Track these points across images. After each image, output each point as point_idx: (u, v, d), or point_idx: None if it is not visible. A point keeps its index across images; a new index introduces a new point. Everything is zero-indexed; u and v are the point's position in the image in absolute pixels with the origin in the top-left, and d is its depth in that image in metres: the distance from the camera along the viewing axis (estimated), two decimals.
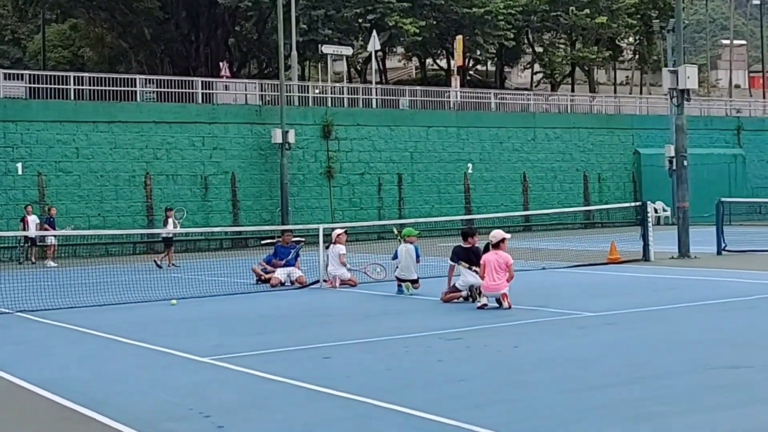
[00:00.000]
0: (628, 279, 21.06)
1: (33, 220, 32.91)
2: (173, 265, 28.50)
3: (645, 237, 25.43)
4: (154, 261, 28.43)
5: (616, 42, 68.24)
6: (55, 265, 30.57)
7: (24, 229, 32.46)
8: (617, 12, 61.49)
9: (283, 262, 22.05)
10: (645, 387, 9.35)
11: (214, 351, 12.09)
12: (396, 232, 21.68)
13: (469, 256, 17.07)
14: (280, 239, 23.32)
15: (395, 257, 18.91)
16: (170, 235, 29.44)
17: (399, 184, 44.95)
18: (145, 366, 11.47)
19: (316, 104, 44.63)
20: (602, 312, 15.07)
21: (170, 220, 29.31)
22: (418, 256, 18.85)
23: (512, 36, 58.90)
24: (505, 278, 15.84)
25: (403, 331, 13.62)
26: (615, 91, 72.82)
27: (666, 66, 40.11)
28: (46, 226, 32.48)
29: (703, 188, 42.79)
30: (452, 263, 17.32)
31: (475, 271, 16.52)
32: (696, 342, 12.33)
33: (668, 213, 47.35)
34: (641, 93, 74.23)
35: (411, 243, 18.93)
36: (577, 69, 69.11)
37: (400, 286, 18.75)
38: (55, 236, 31.94)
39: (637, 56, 74.47)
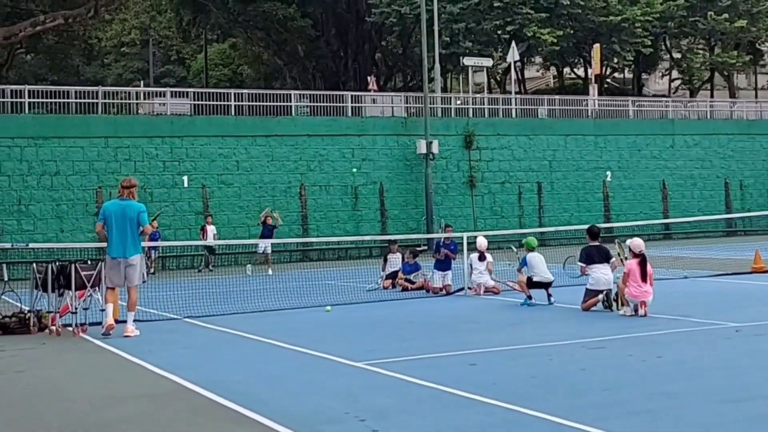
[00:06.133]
0: None
1: (212, 230, 34.42)
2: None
3: None
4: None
5: (757, 46, 66.35)
6: (271, 273, 30.78)
7: (203, 239, 33.97)
8: (757, 15, 59.93)
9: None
10: None
11: (366, 356, 12.38)
12: (515, 249, 22.12)
13: (600, 254, 17.48)
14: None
15: (523, 265, 19.04)
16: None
17: (539, 192, 45.00)
18: (303, 369, 11.77)
19: (458, 115, 45.15)
20: (749, 322, 14.80)
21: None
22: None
23: (649, 43, 58.07)
24: (648, 286, 15.99)
25: (546, 339, 13.73)
26: (756, 96, 70.82)
27: None
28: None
29: None
30: (583, 264, 17.55)
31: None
32: None
33: None
34: None
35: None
36: (717, 74, 67.61)
37: (530, 297, 18.61)
38: (270, 245, 31.93)
39: None
